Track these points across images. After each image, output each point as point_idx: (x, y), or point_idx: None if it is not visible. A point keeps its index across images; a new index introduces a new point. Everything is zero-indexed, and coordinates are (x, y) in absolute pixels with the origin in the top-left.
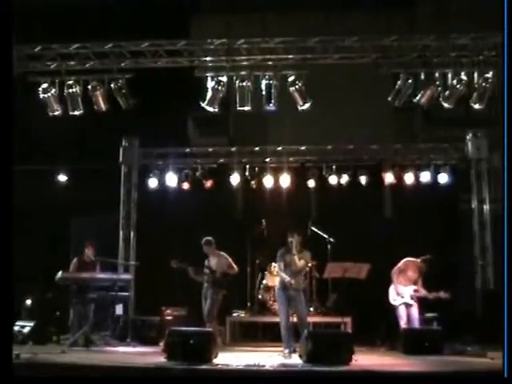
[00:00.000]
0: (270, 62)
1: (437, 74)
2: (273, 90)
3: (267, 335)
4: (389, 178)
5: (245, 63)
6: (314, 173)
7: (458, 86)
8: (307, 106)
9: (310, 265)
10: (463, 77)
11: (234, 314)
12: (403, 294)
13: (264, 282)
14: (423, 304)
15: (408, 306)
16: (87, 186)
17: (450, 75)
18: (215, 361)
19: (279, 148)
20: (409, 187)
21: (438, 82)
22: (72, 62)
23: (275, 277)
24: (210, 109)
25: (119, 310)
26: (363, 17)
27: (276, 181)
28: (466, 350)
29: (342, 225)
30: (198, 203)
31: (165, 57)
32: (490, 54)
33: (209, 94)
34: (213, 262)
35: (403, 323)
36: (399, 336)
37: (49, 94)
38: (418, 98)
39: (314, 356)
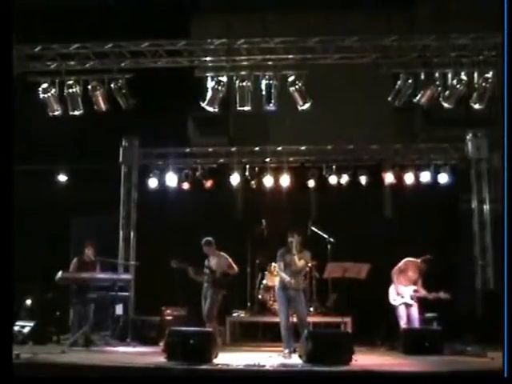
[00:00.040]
0: (270, 62)
1: (437, 74)
2: (273, 90)
3: (267, 335)
4: (389, 178)
5: (245, 63)
6: (314, 173)
7: (458, 86)
8: (307, 105)
9: (309, 265)
10: (463, 77)
11: (234, 314)
12: (403, 294)
13: (264, 281)
14: (423, 304)
15: (408, 306)
16: (87, 186)
17: (450, 75)
18: (215, 361)
19: (279, 148)
20: (409, 187)
21: (438, 82)
22: (72, 62)
23: (275, 277)
24: (210, 109)
25: (119, 310)
26: (363, 17)
27: (276, 181)
28: (465, 350)
29: (342, 225)
30: (198, 203)
31: (165, 57)
32: (490, 54)
33: (209, 94)
34: (213, 262)
35: (403, 323)
36: (399, 336)
37: (49, 94)
38: (417, 98)
39: (314, 356)
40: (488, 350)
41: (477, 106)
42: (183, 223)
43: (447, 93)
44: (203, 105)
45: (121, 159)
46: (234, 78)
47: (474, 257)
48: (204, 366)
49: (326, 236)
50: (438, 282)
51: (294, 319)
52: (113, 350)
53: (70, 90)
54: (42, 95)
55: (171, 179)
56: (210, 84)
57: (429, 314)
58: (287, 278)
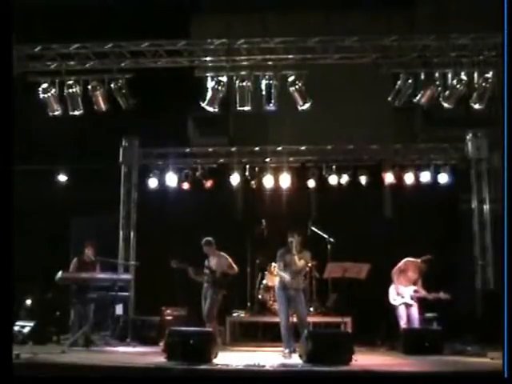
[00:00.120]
0: (270, 62)
1: (437, 74)
2: (273, 90)
3: (267, 335)
4: (389, 178)
5: (245, 63)
6: (314, 173)
7: (458, 86)
8: (307, 105)
9: (309, 265)
10: (463, 77)
11: (234, 314)
12: (403, 294)
13: (264, 281)
14: (423, 304)
15: (408, 306)
16: (87, 186)
17: (449, 75)
18: (215, 361)
19: (279, 148)
20: (409, 187)
21: (438, 82)
22: (72, 62)
23: (275, 277)
24: (210, 109)
25: (119, 310)
26: (363, 17)
27: (276, 181)
28: (465, 350)
29: (342, 225)
30: (198, 203)
31: (165, 57)
32: (490, 54)
33: (209, 94)
34: (213, 262)
35: (403, 323)
36: (399, 336)
37: (49, 94)
38: (418, 98)
39: (314, 356)
40: (488, 350)
41: (477, 106)
42: (183, 223)
43: (447, 93)
44: (203, 105)
45: (121, 159)
46: (234, 78)
47: (474, 257)
48: (204, 366)
49: (326, 236)
50: (437, 282)
51: (294, 319)
52: (113, 350)
53: (70, 90)
54: (41, 95)
55: (171, 179)
56: (210, 84)
57: (429, 314)
58: (287, 278)
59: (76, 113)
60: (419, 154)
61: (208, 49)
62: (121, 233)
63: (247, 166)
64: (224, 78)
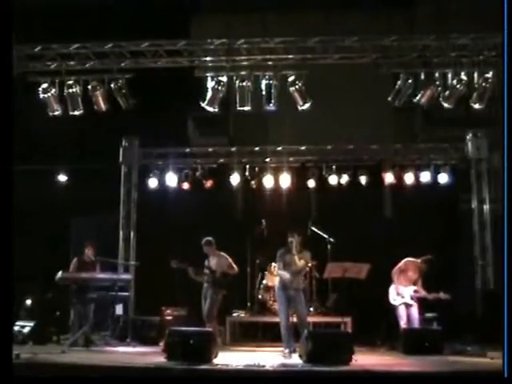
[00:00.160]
0: (270, 62)
1: (437, 74)
2: (273, 90)
3: (267, 335)
4: (389, 178)
5: (245, 63)
6: (314, 173)
7: (458, 86)
8: (307, 105)
9: (309, 265)
10: (463, 77)
11: (234, 314)
12: (403, 294)
13: (264, 282)
14: (423, 304)
15: (408, 306)
16: (87, 186)
17: (449, 75)
18: (215, 361)
19: (279, 148)
20: (409, 187)
21: (438, 82)
22: (72, 62)
23: (275, 277)
24: (210, 109)
25: (119, 310)
26: (363, 17)
27: (276, 181)
28: (466, 350)
29: (342, 225)
30: (198, 203)
31: (165, 57)
32: (490, 54)
33: (209, 94)
34: (213, 262)
35: (403, 323)
36: (399, 336)
37: (49, 94)
38: (418, 98)
39: (314, 356)
40: (488, 350)
41: (477, 106)
42: (183, 223)
43: (447, 93)
44: (203, 105)
45: (121, 159)
46: (234, 78)
47: (474, 257)
48: (204, 366)
49: (326, 236)
50: (437, 282)
51: (294, 319)
52: (113, 350)
53: (70, 90)
54: (42, 95)
55: (171, 179)
56: (210, 84)
57: (429, 314)
58: (286, 275)
59: (76, 113)
60: (419, 154)
61: (208, 49)
62: (121, 233)
63: (247, 166)
64: (224, 78)
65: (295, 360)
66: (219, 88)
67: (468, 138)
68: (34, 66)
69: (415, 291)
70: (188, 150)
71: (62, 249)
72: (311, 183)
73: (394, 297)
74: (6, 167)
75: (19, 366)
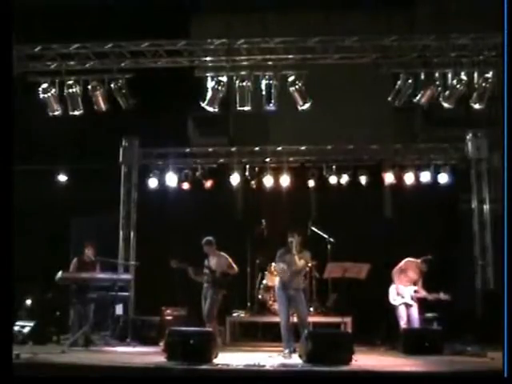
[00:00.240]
0: (270, 62)
1: (437, 74)
2: (273, 90)
3: (267, 335)
4: (389, 178)
5: (245, 63)
6: (314, 173)
7: (458, 86)
8: (307, 105)
9: (309, 265)
10: (463, 77)
11: (234, 314)
12: (403, 294)
13: (264, 281)
14: (423, 304)
15: (408, 306)
16: (87, 186)
17: (449, 75)
18: (215, 361)
19: (279, 148)
20: (409, 187)
21: (438, 82)
22: (72, 62)
23: (275, 277)
24: (210, 109)
25: (119, 310)
26: (363, 17)
27: (276, 181)
28: (466, 350)
29: (342, 225)
30: (198, 203)
31: (165, 57)
32: (490, 54)
33: (209, 94)
34: (212, 262)
35: (403, 323)
36: (399, 336)
37: (49, 94)
38: (418, 98)
39: (314, 356)
40: (488, 350)
41: (477, 106)
42: (183, 223)
43: (447, 93)
44: (203, 105)
45: (121, 159)
46: (234, 78)
47: (474, 257)
48: (204, 366)
49: (326, 236)
50: (438, 282)
51: (294, 319)
52: (113, 350)
53: (70, 90)
54: (42, 95)
55: (171, 179)
56: (210, 84)
57: (429, 314)
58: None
59: (76, 113)
60: (419, 154)
61: (208, 49)
62: (121, 233)
63: (247, 166)
64: (224, 78)
65: (295, 360)
66: (219, 88)
67: (468, 138)
68: (34, 66)
69: (415, 291)
70: (188, 150)
71: (62, 249)
72: (311, 183)
73: (394, 297)
74: (6, 167)
75: (19, 366)
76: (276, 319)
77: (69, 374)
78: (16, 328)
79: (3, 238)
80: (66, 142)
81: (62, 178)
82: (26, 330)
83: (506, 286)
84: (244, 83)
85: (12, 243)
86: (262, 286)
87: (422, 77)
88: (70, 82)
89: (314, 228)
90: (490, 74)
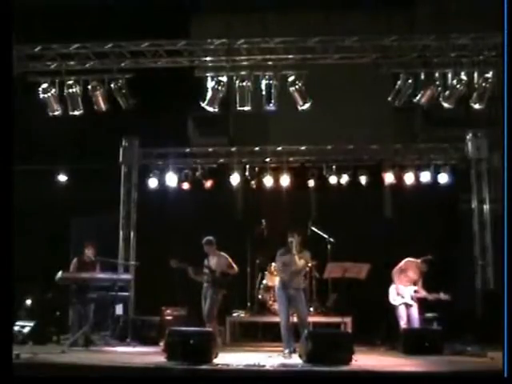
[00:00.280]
0: (270, 62)
1: (437, 74)
2: (273, 90)
3: (267, 335)
4: (389, 178)
5: (245, 63)
6: (314, 173)
7: (458, 86)
8: (307, 105)
9: (309, 265)
10: (463, 77)
11: (234, 314)
12: (403, 294)
13: (264, 281)
14: (423, 304)
15: (408, 306)
16: (87, 186)
17: (449, 75)
18: (215, 361)
19: (279, 148)
20: (409, 187)
21: (438, 82)
22: (72, 62)
23: (275, 277)
24: (210, 109)
25: (119, 310)
26: (363, 17)
27: (276, 181)
28: (466, 350)
29: (342, 225)
30: (198, 203)
31: (165, 57)
32: (490, 54)
33: (209, 94)
34: (212, 262)
35: (403, 323)
36: (399, 336)
37: (49, 94)
38: (418, 98)
39: (314, 356)
40: (488, 350)
41: (477, 106)
42: (183, 223)
43: (447, 93)
44: (203, 105)
45: (121, 159)
46: (234, 78)
47: (474, 257)
48: (204, 366)
49: (326, 236)
50: (438, 282)
51: (295, 319)
52: (113, 350)
53: (70, 90)
54: (42, 95)
55: (171, 179)
56: (210, 84)
57: (429, 314)
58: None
59: (76, 113)
60: (419, 154)
61: (208, 49)
62: (121, 233)
63: (247, 166)
64: (224, 78)
65: (295, 360)
66: (219, 88)
67: (468, 137)
68: (34, 66)
69: (415, 291)
70: (188, 150)
71: (62, 249)
72: (311, 183)
73: (394, 297)
74: (6, 167)
75: (19, 366)
76: (276, 319)
77: (69, 374)
78: (16, 328)
79: (3, 237)
80: (66, 142)
81: (62, 177)
82: (26, 330)
83: (506, 285)
84: (244, 83)
85: (12, 243)
86: (262, 285)
87: (422, 77)
88: (70, 82)
89: (313, 228)
90: (490, 74)
